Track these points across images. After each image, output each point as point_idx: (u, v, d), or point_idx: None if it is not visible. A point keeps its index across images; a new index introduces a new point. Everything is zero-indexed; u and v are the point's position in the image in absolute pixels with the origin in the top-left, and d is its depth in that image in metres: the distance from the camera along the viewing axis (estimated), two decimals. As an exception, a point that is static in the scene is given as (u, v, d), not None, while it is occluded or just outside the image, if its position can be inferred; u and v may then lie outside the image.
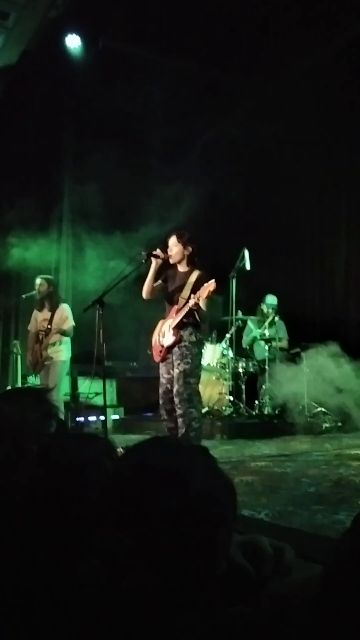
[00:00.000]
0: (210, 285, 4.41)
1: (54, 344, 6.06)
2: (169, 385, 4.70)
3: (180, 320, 4.65)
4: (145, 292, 4.90)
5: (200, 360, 4.69)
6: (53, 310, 6.12)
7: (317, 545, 2.55)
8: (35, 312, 6.31)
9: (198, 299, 4.46)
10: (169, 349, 4.70)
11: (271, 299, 8.08)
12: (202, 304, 4.51)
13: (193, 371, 4.59)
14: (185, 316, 4.63)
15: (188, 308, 4.56)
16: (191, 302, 4.52)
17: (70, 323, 6.09)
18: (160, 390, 4.78)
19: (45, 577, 0.96)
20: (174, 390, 4.59)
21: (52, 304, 6.16)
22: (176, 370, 4.59)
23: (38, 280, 6.25)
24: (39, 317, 6.21)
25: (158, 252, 4.80)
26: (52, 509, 1.06)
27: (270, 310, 8.03)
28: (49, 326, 6.05)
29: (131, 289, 6.20)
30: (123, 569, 0.84)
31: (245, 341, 8.14)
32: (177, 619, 0.82)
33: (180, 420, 4.53)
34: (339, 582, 0.74)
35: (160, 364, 4.81)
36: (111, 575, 0.85)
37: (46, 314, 6.15)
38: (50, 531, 1.04)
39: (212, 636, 0.79)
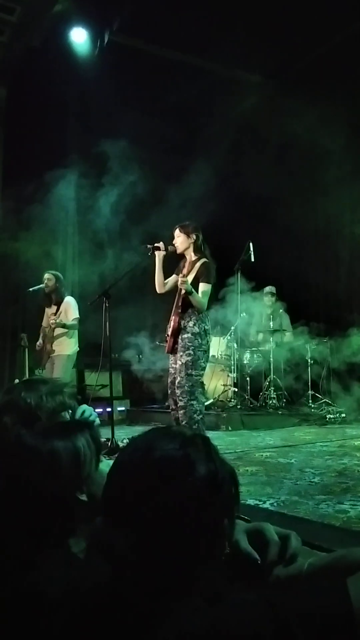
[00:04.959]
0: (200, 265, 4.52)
1: (58, 337, 6.14)
2: (176, 376, 4.66)
3: (181, 306, 4.60)
4: (157, 286, 4.87)
5: (204, 351, 4.61)
6: (59, 304, 6.22)
7: (322, 533, 2.62)
8: (46, 308, 6.42)
9: (184, 278, 4.44)
10: (174, 336, 4.65)
11: (269, 289, 8.16)
12: (200, 288, 4.52)
13: (195, 363, 4.52)
14: (183, 301, 4.59)
15: (183, 290, 4.51)
16: (180, 282, 4.48)
17: (72, 316, 6.14)
18: (168, 380, 4.74)
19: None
20: (176, 381, 4.56)
21: (58, 298, 6.26)
22: (179, 362, 4.57)
23: (46, 275, 6.33)
24: (49, 312, 6.32)
25: (160, 244, 4.81)
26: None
27: (273, 299, 8.10)
28: (54, 320, 6.14)
29: (138, 282, 6.25)
30: (125, 557, 0.86)
31: (251, 334, 8.20)
32: (181, 604, 0.82)
33: (181, 412, 4.48)
34: None
35: (170, 355, 4.77)
36: (113, 563, 0.87)
37: (53, 308, 6.25)
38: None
39: (217, 622, 0.79)
